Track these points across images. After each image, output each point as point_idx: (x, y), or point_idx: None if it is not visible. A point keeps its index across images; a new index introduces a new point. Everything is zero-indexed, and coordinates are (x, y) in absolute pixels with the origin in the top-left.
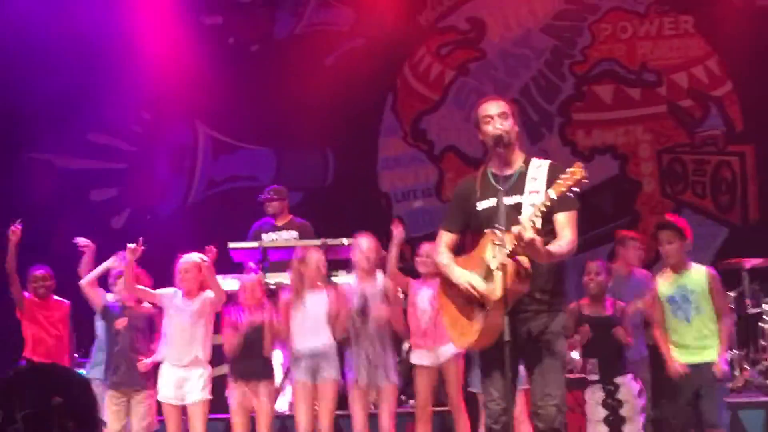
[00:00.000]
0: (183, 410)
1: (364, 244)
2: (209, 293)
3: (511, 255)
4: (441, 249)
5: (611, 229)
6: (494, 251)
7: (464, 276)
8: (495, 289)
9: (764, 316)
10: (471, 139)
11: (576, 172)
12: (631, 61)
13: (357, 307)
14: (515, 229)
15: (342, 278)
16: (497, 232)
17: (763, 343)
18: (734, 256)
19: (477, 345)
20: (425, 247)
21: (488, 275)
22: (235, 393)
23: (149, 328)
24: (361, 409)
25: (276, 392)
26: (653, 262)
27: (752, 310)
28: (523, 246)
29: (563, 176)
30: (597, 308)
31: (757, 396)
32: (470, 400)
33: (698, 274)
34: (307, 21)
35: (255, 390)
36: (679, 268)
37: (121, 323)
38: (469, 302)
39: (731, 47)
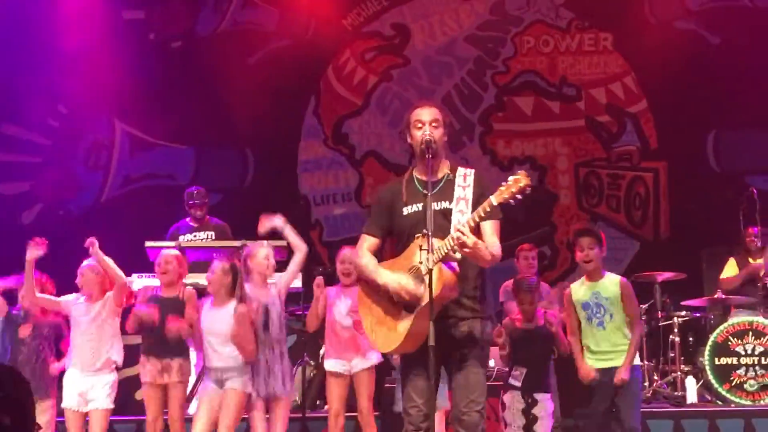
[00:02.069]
0: (86, 416)
1: (264, 251)
2: (109, 295)
3: (442, 260)
4: (363, 252)
5: (527, 240)
6: (422, 256)
7: (394, 278)
8: (424, 295)
9: (675, 329)
10: (392, 145)
11: (520, 179)
12: (551, 75)
13: (260, 320)
14: (455, 234)
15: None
16: (424, 237)
17: (672, 354)
18: (645, 270)
19: (400, 349)
20: (346, 252)
21: (416, 281)
22: (146, 369)
23: (56, 335)
24: (261, 419)
25: (189, 395)
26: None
27: (663, 323)
28: (466, 250)
29: (506, 183)
30: (529, 323)
31: (665, 406)
32: (396, 422)
33: (612, 282)
34: (231, 19)
35: (168, 366)
36: (594, 276)
37: (25, 330)
38: (393, 306)
39: (648, 66)
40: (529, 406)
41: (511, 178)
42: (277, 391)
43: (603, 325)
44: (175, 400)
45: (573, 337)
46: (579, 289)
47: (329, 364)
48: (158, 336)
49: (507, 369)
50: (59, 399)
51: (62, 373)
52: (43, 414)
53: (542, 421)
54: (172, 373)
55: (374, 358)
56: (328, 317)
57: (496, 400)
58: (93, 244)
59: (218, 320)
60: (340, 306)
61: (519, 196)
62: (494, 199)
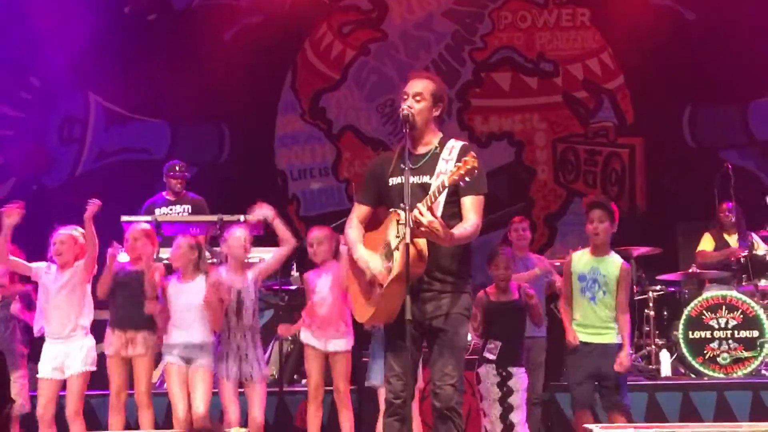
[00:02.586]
0: (63, 385)
1: (239, 233)
2: (81, 261)
3: (413, 236)
4: (352, 223)
5: (506, 214)
6: (398, 230)
7: (363, 257)
8: (392, 269)
9: (649, 303)
10: (370, 119)
11: (468, 161)
12: (529, 50)
13: (232, 304)
14: (413, 213)
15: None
16: (401, 211)
17: (647, 328)
18: (621, 245)
19: (372, 321)
20: (312, 235)
21: (389, 254)
22: (111, 340)
23: (25, 305)
24: (234, 400)
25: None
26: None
27: (638, 297)
28: (423, 230)
29: (457, 164)
30: (503, 295)
31: (639, 380)
32: (370, 394)
33: (614, 263)
34: None
35: (132, 339)
36: (600, 251)
37: None
38: (369, 280)
39: (624, 42)
40: (504, 379)
41: (462, 159)
42: (251, 376)
43: (594, 299)
44: (141, 373)
45: (565, 303)
46: (580, 260)
47: (306, 336)
48: (123, 309)
49: (480, 343)
50: (31, 370)
51: (35, 343)
52: (13, 385)
53: (517, 394)
54: (137, 346)
55: (349, 342)
56: (308, 292)
57: (472, 373)
58: (97, 205)
59: (186, 293)
60: (319, 284)
61: (467, 179)
62: (446, 180)
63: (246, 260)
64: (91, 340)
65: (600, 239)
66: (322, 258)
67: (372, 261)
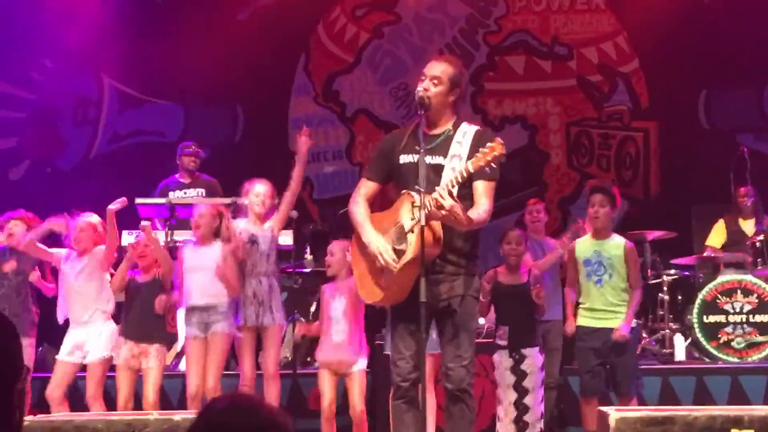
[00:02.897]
0: (79, 369)
1: (260, 188)
2: (101, 248)
3: (427, 219)
4: (358, 198)
5: (519, 198)
6: (411, 212)
7: (376, 242)
8: (407, 251)
9: (664, 287)
10: (383, 102)
11: (495, 147)
12: (543, 34)
13: (248, 249)
14: (434, 195)
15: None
16: (414, 193)
17: (661, 312)
18: (635, 229)
19: (382, 302)
20: (330, 248)
21: (401, 235)
22: (122, 351)
23: (35, 267)
24: (248, 351)
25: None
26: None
27: (652, 281)
28: (443, 214)
29: (483, 150)
30: (513, 277)
31: (654, 363)
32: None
33: (616, 244)
34: None
35: (144, 352)
36: (601, 235)
37: (10, 266)
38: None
39: (640, 25)
40: (518, 362)
41: (488, 144)
42: (265, 322)
43: (601, 283)
44: (150, 386)
45: (570, 290)
46: (583, 245)
47: (322, 356)
48: (137, 320)
49: (489, 325)
50: (49, 352)
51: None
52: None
53: (531, 376)
54: (149, 359)
55: (364, 361)
56: (324, 314)
57: (488, 357)
58: (124, 204)
59: (204, 257)
60: (336, 306)
61: (494, 165)
62: (470, 166)
63: (260, 213)
64: (111, 325)
65: (600, 222)
66: (333, 270)
67: (384, 250)
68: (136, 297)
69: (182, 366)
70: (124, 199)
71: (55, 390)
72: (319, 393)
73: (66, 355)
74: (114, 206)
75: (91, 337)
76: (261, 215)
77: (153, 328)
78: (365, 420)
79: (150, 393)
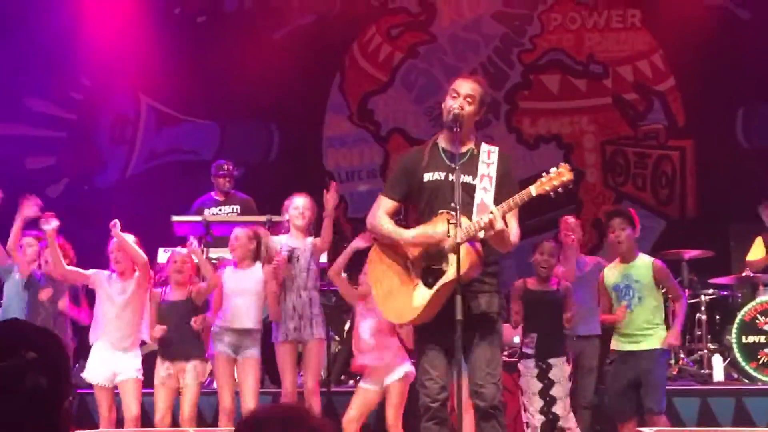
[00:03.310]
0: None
1: (299, 202)
2: (139, 273)
3: (468, 238)
4: (380, 214)
5: (553, 217)
6: (449, 231)
7: (421, 231)
8: (448, 271)
9: (702, 307)
10: (418, 122)
11: (563, 173)
12: (578, 52)
13: (286, 258)
14: (485, 217)
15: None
16: (452, 212)
17: (699, 332)
18: (672, 248)
19: (415, 322)
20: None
21: (440, 256)
22: (160, 370)
23: (73, 299)
24: (290, 364)
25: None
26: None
27: (690, 301)
28: (492, 234)
29: (548, 175)
30: (543, 285)
31: (691, 384)
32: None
33: (644, 264)
34: None
35: (182, 369)
36: (628, 258)
37: (46, 293)
38: (408, 277)
39: (676, 43)
40: (544, 371)
41: (553, 170)
42: (305, 336)
43: (630, 307)
44: (187, 403)
45: (605, 316)
46: (612, 272)
47: (363, 381)
48: (172, 340)
49: (521, 340)
50: (80, 368)
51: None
52: None
53: (558, 385)
54: (186, 376)
55: (405, 368)
56: (357, 330)
57: (509, 375)
58: (115, 225)
59: (244, 279)
60: (365, 326)
61: (560, 190)
62: (534, 190)
63: (300, 227)
64: (139, 351)
65: (624, 246)
66: (366, 290)
67: (429, 229)
68: (170, 315)
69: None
70: (116, 221)
71: (109, 415)
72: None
73: (102, 380)
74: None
75: (123, 361)
76: (302, 228)
77: (189, 346)
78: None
79: (186, 409)
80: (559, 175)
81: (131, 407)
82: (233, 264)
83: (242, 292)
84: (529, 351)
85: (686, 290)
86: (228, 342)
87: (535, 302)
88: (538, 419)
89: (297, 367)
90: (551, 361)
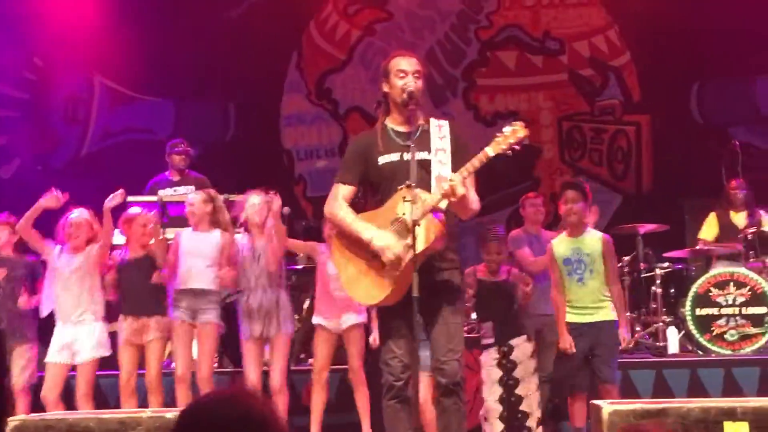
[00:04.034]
0: (70, 369)
1: (253, 199)
2: (94, 247)
3: (428, 212)
4: (339, 202)
5: (511, 194)
6: (405, 208)
7: (379, 236)
8: (410, 246)
9: (656, 280)
10: (376, 100)
11: (518, 130)
12: (534, 29)
13: (249, 257)
14: (446, 184)
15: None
16: (407, 188)
17: (654, 305)
18: (628, 223)
19: (384, 302)
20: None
21: (400, 232)
22: (123, 328)
23: (31, 275)
24: (253, 362)
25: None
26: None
27: (645, 274)
28: (453, 200)
29: (503, 134)
30: (493, 275)
31: (647, 357)
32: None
33: (594, 238)
34: None
35: (145, 325)
36: (577, 231)
37: (0, 274)
38: (375, 259)
39: (631, 19)
40: (506, 354)
41: (507, 128)
42: (272, 332)
43: (583, 280)
44: (152, 359)
45: (558, 295)
46: (560, 244)
47: (318, 319)
48: (133, 296)
49: (476, 321)
50: (41, 353)
51: (42, 320)
52: (20, 358)
53: (522, 365)
54: (149, 332)
55: (363, 316)
56: (320, 275)
57: (477, 352)
58: (122, 196)
59: (202, 242)
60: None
61: (516, 147)
62: (490, 150)
63: (259, 224)
64: (101, 325)
65: (575, 219)
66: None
67: (393, 244)
68: (127, 275)
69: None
70: (122, 191)
71: (49, 392)
72: (314, 357)
73: (56, 355)
74: (111, 203)
75: (80, 336)
76: (260, 225)
77: (149, 302)
78: (364, 380)
79: (152, 366)
80: (513, 132)
81: (81, 387)
82: (192, 227)
83: (199, 254)
84: (489, 341)
85: (642, 263)
86: (185, 306)
87: (486, 292)
88: (496, 410)
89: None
90: (512, 342)
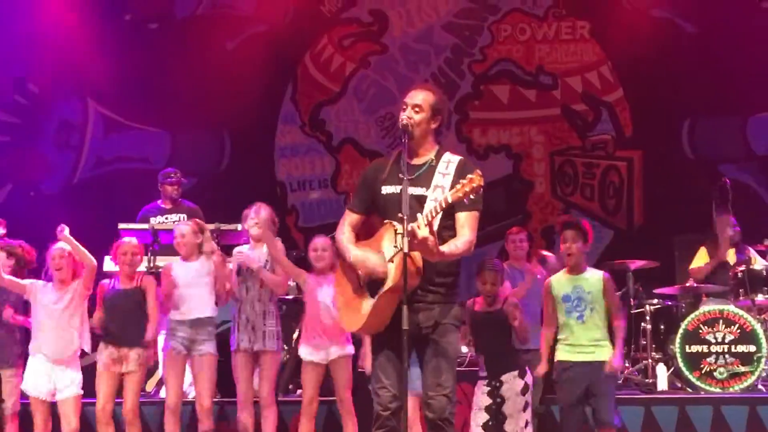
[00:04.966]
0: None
1: (251, 214)
2: (79, 282)
3: (409, 249)
4: (343, 228)
5: (502, 227)
6: (393, 241)
7: (359, 255)
8: (388, 280)
9: (646, 317)
10: (369, 132)
11: (474, 179)
12: (528, 63)
13: (243, 275)
14: (411, 225)
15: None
16: (396, 222)
17: (643, 342)
18: (619, 258)
19: (363, 330)
20: (318, 241)
21: (381, 261)
22: (103, 356)
23: (19, 301)
24: (243, 374)
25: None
26: None
27: (635, 311)
28: (415, 243)
29: (462, 181)
30: (488, 306)
31: (635, 393)
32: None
33: (595, 277)
34: (210, 2)
35: (125, 356)
36: (577, 270)
37: None
38: (359, 287)
39: (624, 54)
40: (496, 389)
41: (468, 176)
42: (256, 347)
43: (582, 318)
44: (130, 391)
45: (547, 329)
46: (559, 281)
47: (305, 352)
48: (117, 326)
49: (472, 354)
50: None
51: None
52: (7, 383)
53: (509, 402)
54: (130, 363)
55: (350, 348)
56: (308, 303)
57: (470, 386)
58: (63, 230)
59: (191, 270)
60: (322, 293)
61: (472, 196)
62: (449, 197)
63: (255, 237)
64: (78, 363)
65: (574, 259)
66: (325, 263)
67: (370, 256)
68: (114, 304)
69: (163, 393)
70: (63, 226)
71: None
72: (303, 390)
73: (41, 393)
74: (61, 237)
75: (66, 376)
76: (258, 238)
77: (133, 334)
78: (352, 409)
79: (129, 399)
80: (470, 181)
81: (71, 422)
82: (180, 257)
83: (195, 283)
84: (483, 373)
85: (632, 300)
86: (182, 337)
87: (480, 323)
88: None
89: (252, 378)
90: (503, 377)
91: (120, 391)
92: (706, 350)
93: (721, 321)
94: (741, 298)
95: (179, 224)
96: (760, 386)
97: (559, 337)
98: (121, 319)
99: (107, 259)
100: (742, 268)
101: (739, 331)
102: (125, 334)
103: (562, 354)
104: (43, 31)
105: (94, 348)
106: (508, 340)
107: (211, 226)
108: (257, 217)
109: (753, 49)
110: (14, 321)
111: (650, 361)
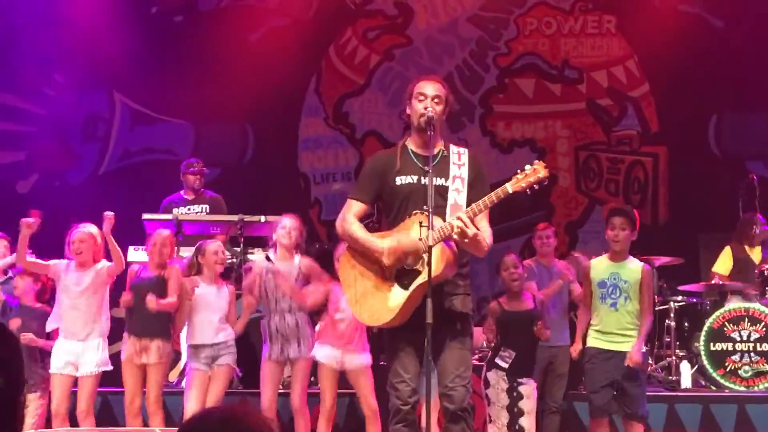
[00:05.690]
0: (75, 381)
1: (287, 222)
2: (105, 263)
3: (443, 239)
4: (350, 218)
5: (526, 222)
6: (422, 233)
7: (393, 241)
8: (431, 270)
9: (671, 314)
10: (392, 124)
11: (539, 170)
12: (553, 57)
13: (271, 285)
14: (457, 222)
15: (257, 255)
16: (423, 213)
17: (668, 339)
18: (643, 255)
19: (389, 324)
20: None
21: (413, 256)
22: (126, 347)
23: (42, 326)
24: (270, 383)
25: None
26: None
27: (659, 308)
28: (466, 241)
29: (524, 172)
30: (517, 303)
31: (659, 390)
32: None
33: (635, 267)
34: None
35: (147, 347)
36: (619, 257)
37: (14, 324)
38: (383, 280)
39: (650, 49)
40: (514, 388)
41: (528, 167)
42: (291, 355)
43: (616, 306)
44: (153, 382)
45: (585, 311)
46: (599, 266)
47: (321, 354)
48: (139, 316)
49: (494, 348)
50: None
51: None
52: (30, 405)
53: (527, 400)
54: (151, 354)
55: (368, 356)
56: (331, 306)
57: (478, 378)
58: (109, 218)
59: (216, 296)
60: (344, 301)
61: (536, 187)
62: (510, 187)
63: (285, 246)
64: (104, 342)
65: (620, 246)
66: (290, 242)
67: (403, 241)
68: (139, 293)
69: (171, 376)
70: (112, 214)
71: (60, 405)
72: (321, 395)
73: (61, 367)
74: (106, 228)
75: (85, 351)
76: (288, 248)
77: (154, 324)
78: (378, 415)
79: (152, 391)
80: (534, 172)
81: (81, 402)
82: (204, 278)
83: (215, 309)
84: (503, 364)
85: (656, 296)
86: (205, 357)
87: (511, 321)
88: None
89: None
90: (521, 380)
91: (144, 382)
92: (730, 348)
93: (746, 319)
94: (767, 296)
95: (205, 243)
96: None
97: (591, 321)
98: (143, 309)
99: (131, 249)
100: None
101: (764, 329)
102: (147, 325)
103: (592, 341)
104: (70, 24)
105: (112, 338)
106: (535, 345)
107: (234, 217)
108: (290, 227)
109: None
110: (34, 344)
111: (674, 358)
